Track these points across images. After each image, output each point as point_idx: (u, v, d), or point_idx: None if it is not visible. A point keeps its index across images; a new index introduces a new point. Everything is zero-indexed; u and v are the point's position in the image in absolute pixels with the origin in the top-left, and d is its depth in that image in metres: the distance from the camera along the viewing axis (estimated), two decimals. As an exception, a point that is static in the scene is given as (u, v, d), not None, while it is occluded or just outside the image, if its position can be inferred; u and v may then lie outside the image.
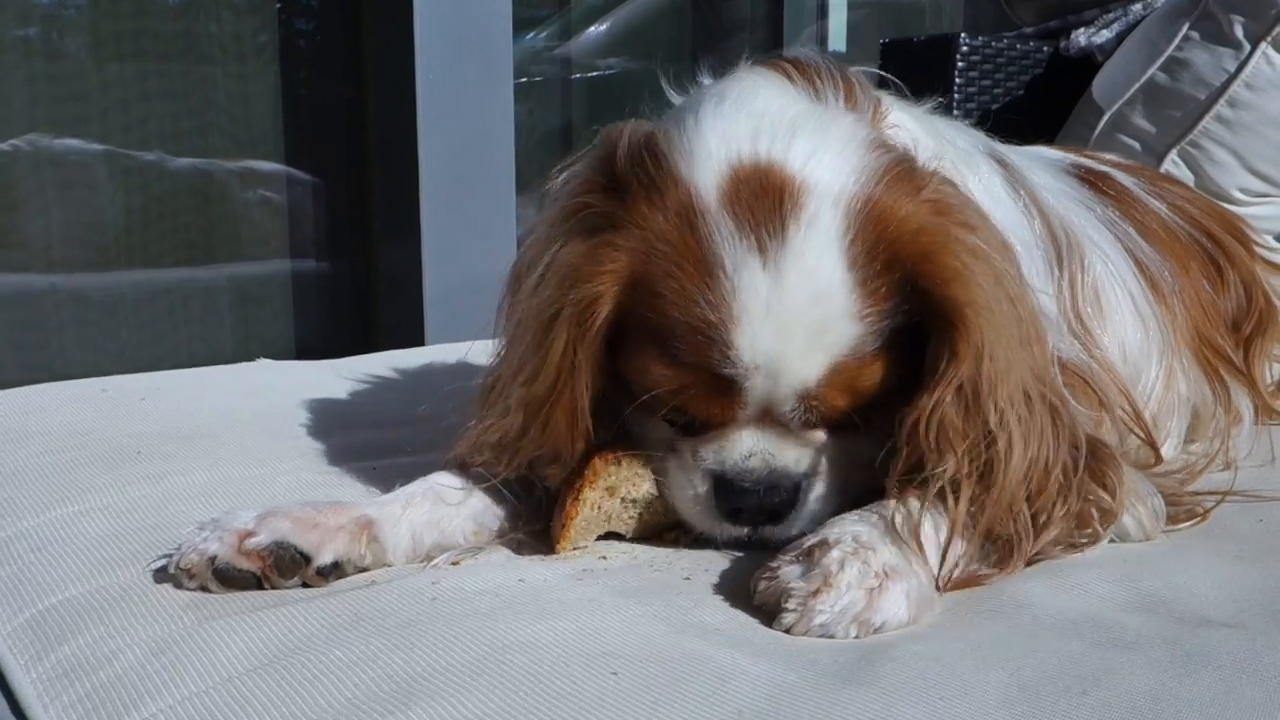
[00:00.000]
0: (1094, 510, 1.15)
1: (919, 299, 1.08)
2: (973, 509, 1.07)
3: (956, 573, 1.08)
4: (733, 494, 1.14)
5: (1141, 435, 1.30)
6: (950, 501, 1.07)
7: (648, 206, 1.09)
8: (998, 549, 1.10)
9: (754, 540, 1.16)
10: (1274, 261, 1.82)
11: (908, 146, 1.18)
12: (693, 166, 1.09)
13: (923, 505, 1.07)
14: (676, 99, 1.28)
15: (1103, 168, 1.66)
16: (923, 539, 1.06)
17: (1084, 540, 1.15)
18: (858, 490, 1.16)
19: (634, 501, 1.19)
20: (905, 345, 1.11)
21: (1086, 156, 1.72)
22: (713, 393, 1.10)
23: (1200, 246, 1.63)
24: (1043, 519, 1.10)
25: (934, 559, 1.06)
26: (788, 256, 1.05)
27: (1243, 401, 1.56)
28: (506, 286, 1.23)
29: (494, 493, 1.22)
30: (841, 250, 1.06)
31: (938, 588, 1.06)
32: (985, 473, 1.07)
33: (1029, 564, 1.11)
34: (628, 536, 1.22)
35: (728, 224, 1.06)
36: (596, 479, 1.18)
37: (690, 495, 1.16)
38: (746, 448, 1.13)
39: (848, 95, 1.19)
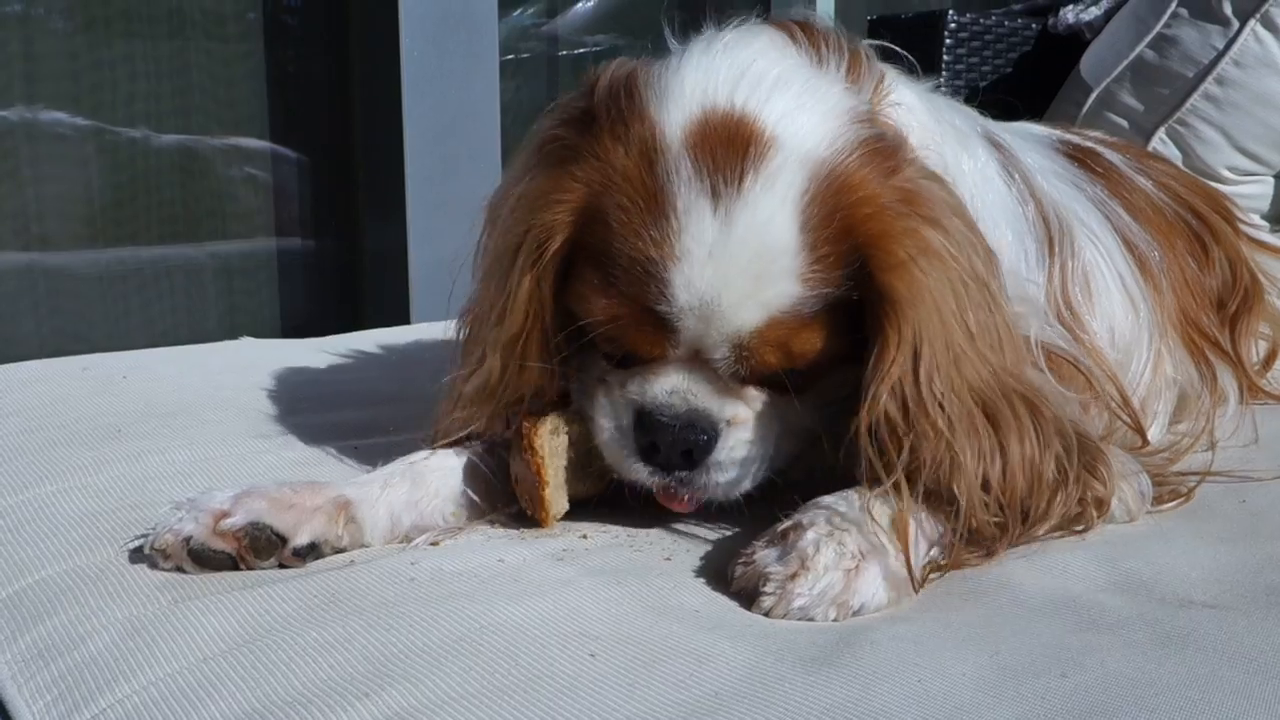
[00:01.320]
0: (1089, 499, 1.15)
1: (866, 280, 1.07)
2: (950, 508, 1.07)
3: (936, 556, 1.08)
4: (651, 427, 1.13)
5: (1129, 421, 1.30)
6: (896, 498, 1.06)
7: (611, 140, 1.10)
8: (985, 538, 1.09)
9: (667, 490, 1.15)
10: (1259, 238, 1.82)
11: (901, 128, 1.17)
12: (663, 106, 1.08)
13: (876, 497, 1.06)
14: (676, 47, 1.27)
15: (1090, 144, 1.66)
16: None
17: (1079, 528, 1.15)
18: (782, 460, 1.17)
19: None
20: (849, 324, 1.10)
21: (1073, 133, 1.71)
22: (646, 327, 1.10)
23: (1186, 224, 1.63)
24: (1040, 510, 1.10)
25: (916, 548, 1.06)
26: (740, 206, 1.05)
27: (1229, 382, 1.56)
28: (484, 222, 1.23)
29: (473, 474, 1.22)
30: (796, 210, 1.06)
31: (914, 578, 1.04)
32: (943, 473, 1.06)
33: (1015, 544, 1.11)
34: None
35: (687, 165, 1.05)
36: (537, 437, 1.17)
37: (613, 428, 1.15)
38: (671, 383, 1.12)
39: (851, 66, 1.17)
